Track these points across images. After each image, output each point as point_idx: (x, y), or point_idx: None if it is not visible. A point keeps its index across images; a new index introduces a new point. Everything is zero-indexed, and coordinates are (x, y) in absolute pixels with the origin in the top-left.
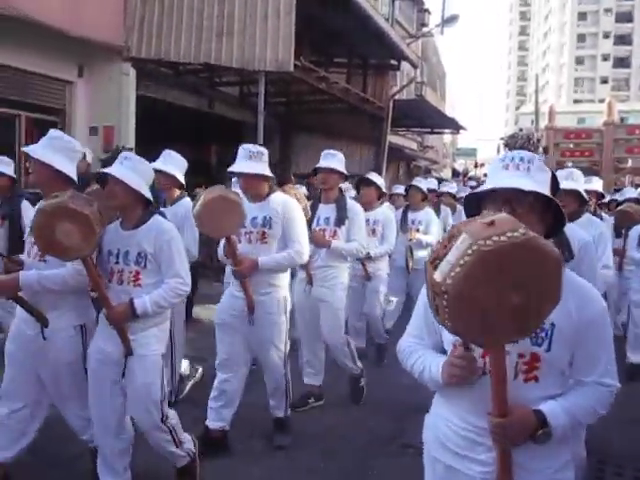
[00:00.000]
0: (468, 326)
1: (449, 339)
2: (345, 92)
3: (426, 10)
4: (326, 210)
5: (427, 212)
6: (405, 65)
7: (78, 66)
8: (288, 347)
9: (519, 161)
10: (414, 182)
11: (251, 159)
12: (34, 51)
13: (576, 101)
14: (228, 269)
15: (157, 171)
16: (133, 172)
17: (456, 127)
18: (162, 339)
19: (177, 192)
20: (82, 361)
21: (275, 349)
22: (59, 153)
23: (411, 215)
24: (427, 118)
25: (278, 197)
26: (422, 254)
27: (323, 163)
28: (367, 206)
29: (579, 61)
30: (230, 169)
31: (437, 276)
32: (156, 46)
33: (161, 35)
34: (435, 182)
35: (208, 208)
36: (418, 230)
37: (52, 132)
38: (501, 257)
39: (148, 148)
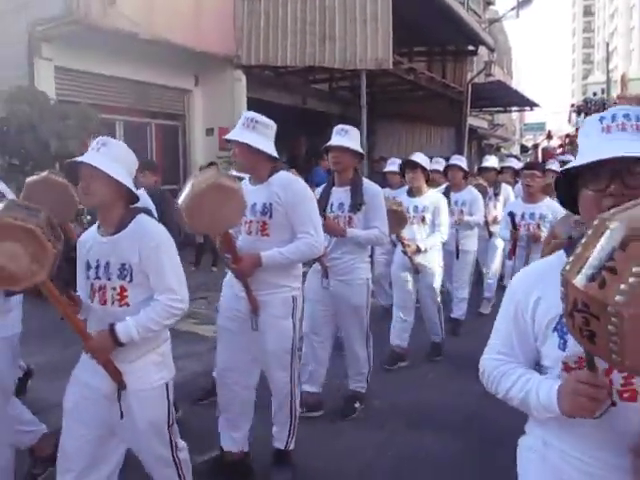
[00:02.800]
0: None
1: (555, 356)
2: (429, 80)
3: None
4: (340, 194)
5: (470, 191)
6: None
7: (194, 76)
8: (296, 360)
9: (624, 119)
10: (453, 160)
11: (250, 129)
12: (158, 66)
13: None
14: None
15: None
16: (114, 161)
17: (529, 104)
18: (164, 364)
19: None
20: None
21: (279, 360)
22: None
23: (454, 196)
24: (500, 98)
25: (281, 177)
26: (469, 236)
27: (335, 140)
28: (415, 191)
29: None
30: (225, 136)
31: (595, 291)
32: (264, 53)
33: (268, 43)
34: (494, 159)
35: (197, 201)
36: (462, 211)
37: None
38: None
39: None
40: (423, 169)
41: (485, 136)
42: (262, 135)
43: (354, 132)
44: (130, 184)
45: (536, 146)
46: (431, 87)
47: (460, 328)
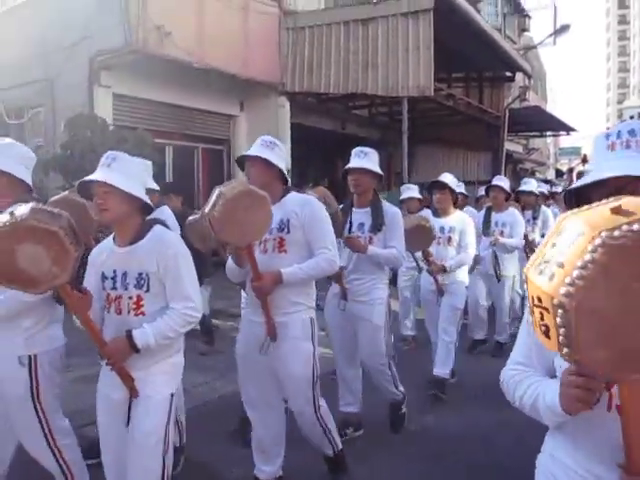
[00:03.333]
0: (596, 355)
1: (565, 365)
2: (466, 105)
3: (527, 15)
4: (360, 215)
5: (512, 213)
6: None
7: (240, 102)
8: (318, 384)
9: (628, 135)
10: (495, 181)
11: (269, 149)
12: (205, 92)
13: None
14: (244, 294)
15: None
16: (126, 175)
17: (565, 128)
18: (174, 375)
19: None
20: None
21: (300, 383)
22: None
23: (495, 217)
24: (536, 122)
25: (295, 197)
26: (508, 259)
27: (354, 163)
28: (441, 212)
29: None
30: (245, 152)
31: (545, 284)
32: (307, 80)
33: (312, 71)
34: (534, 182)
35: (229, 207)
36: (502, 233)
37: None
38: (637, 253)
39: (301, 169)
40: (451, 190)
41: (520, 160)
42: (279, 156)
43: (373, 154)
44: (144, 196)
45: (571, 170)
46: (469, 112)
47: (502, 351)
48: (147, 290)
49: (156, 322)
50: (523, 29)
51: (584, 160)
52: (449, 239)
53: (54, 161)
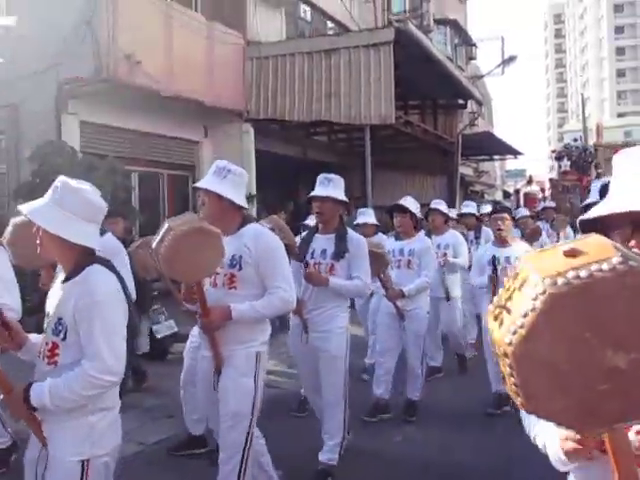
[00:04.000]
0: (552, 406)
1: None
2: (423, 132)
3: (474, 44)
4: (323, 242)
5: (453, 235)
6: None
7: (204, 128)
8: (253, 424)
9: None
10: (433, 204)
11: (221, 177)
12: (170, 119)
13: (620, 114)
14: (196, 328)
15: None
16: (65, 211)
17: (513, 152)
18: (90, 439)
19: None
20: None
21: (235, 422)
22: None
23: (436, 239)
24: (486, 147)
25: (251, 229)
26: (453, 280)
27: (318, 190)
28: (403, 235)
29: (620, 74)
30: (194, 185)
31: (495, 331)
32: (272, 107)
33: (276, 98)
34: (473, 205)
35: (175, 244)
36: (445, 255)
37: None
38: (584, 300)
39: (265, 193)
40: (412, 214)
41: (471, 183)
42: (234, 184)
43: (338, 180)
44: (82, 239)
45: (517, 191)
46: (425, 138)
47: (466, 364)
48: (64, 338)
49: (57, 380)
50: (470, 57)
51: (529, 181)
52: (409, 262)
53: (24, 188)
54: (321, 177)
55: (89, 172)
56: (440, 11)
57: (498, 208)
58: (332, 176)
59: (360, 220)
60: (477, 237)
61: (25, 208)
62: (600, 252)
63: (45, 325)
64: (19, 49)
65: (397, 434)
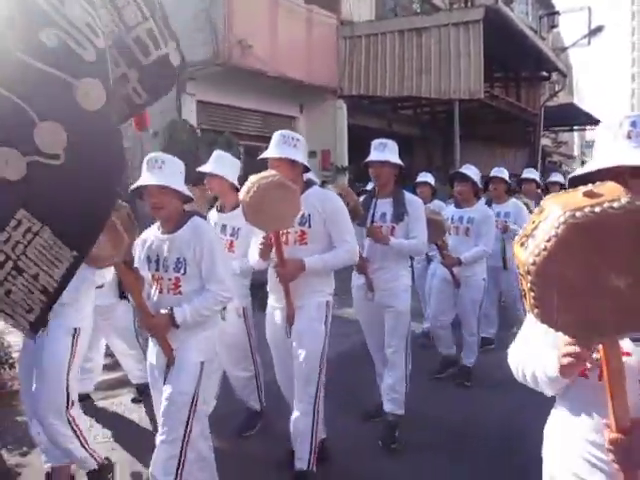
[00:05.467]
0: (557, 313)
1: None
2: (506, 104)
3: (556, 12)
4: (382, 205)
5: (514, 203)
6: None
7: (299, 105)
8: (323, 372)
9: (631, 127)
10: (493, 172)
11: (284, 144)
12: (269, 97)
13: None
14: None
15: (208, 174)
16: (173, 175)
17: (594, 122)
18: (206, 346)
19: (233, 196)
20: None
21: (308, 363)
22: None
23: (496, 208)
24: (568, 118)
25: (317, 192)
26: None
27: (373, 155)
28: (463, 203)
29: None
30: (262, 155)
31: (521, 254)
32: (364, 84)
33: (368, 75)
34: (534, 171)
35: (261, 195)
36: (506, 222)
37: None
38: (596, 231)
39: (358, 166)
40: (473, 182)
41: (549, 154)
42: (299, 150)
43: (392, 145)
44: (187, 191)
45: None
46: (509, 111)
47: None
48: (184, 273)
49: (193, 302)
50: (552, 25)
51: None
52: (467, 230)
53: None
54: (376, 142)
55: (209, 147)
56: None
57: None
58: (386, 141)
59: (419, 179)
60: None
61: (149, 179)
62: (613, 194)
63: (155, 270)
64: None
65: (452, 399)
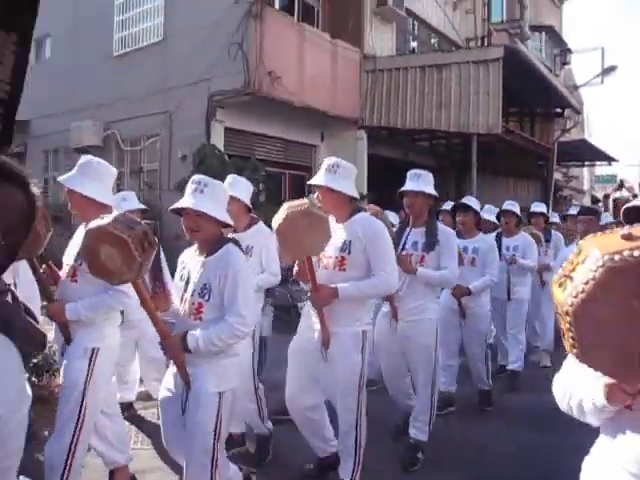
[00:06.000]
0: (598, 355)
1: None
2: (521, 139)
3: (568, 49)
4: (414, 234)
5: (523, 237)
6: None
7: (320, 133)
8: (364, 395)
9: None
10: (505, 206)
11: (332, 173)
12: (292, 125)
13: None
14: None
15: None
16: (215, 200)
17: (607, 159)
18: (224, 376)
19: (247, 217)
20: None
21: (346, 392)
22: (88, 179)
23: (506, 241)
24: (580, 154)
25: (361, 217)
26: (521, 282)
27: (408, 185)
28: (465, 234)
29: None
30: (309, 182)
31: (560, 295)
32: (384, 116)
33: (389, 107)
34: (543, 205)
35: (291, 223)
36: (514, 256)
37: (82, 159)
38: (635, 274)
39: (378, 192)
40: (475, 212)
41: (560, 188)
42: (343, 178)
43: (427, 176)
44: (227, 219)
45: (607, 196)
46: (523, 145)
47: (518, 381)
48: (207, 299)
49: (208, 330)
50: (564, 63)
51: (620, 186)
52: (472, 260)
53: (183, 183)
54: (411, 173)
55: (238, 172)
56: (536, 17)
57: (584, 210)
58: (421, 172)
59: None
60: (547, 240)
61: (188, 202)
62: None
63: (183, 291)
64: (175, 64)
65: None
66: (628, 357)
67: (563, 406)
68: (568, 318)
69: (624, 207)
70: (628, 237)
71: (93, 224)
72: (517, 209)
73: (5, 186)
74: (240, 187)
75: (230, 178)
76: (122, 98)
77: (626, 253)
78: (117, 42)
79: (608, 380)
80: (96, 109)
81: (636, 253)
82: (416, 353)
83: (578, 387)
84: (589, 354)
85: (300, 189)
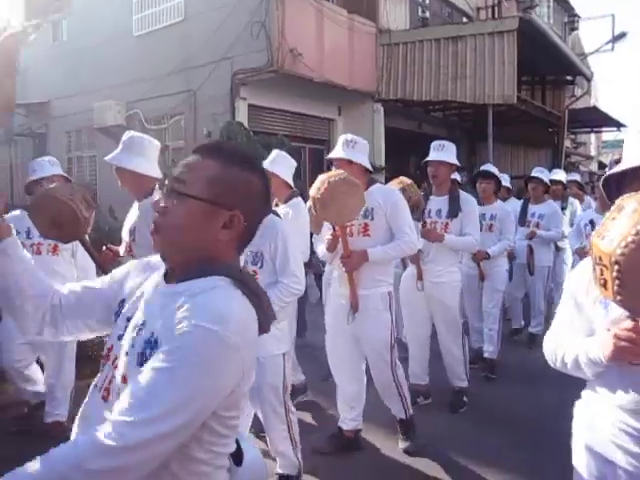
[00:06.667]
0: (638, 299)
1: (601, 321)
2: (533, 107)
3: (576, 15)
4: (438, 202)
5: (549, 205)
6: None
7: (338, 107)
8: (395, 348)
9: None
10: (534, 172)
11: (348, 147)
12: (310, 100)
13: None
14: (328, 267)
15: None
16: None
17: (616, 125)
18: (282, 338)
19: (286, 191)
20: None
21: (380, 346)
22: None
23: (532, 208)
24: (590, 120)
25: (379, 188)
26: (543, 251)
27: (432, 155)
28: (485, 201)
29: None
30: (327, 156)
31: (606, 247)
32: (400, 89)
33: (405, 81)
34: (562, 173)
35: (330, 190)
36: (538, 225)
37: (124, 136)
38: None
39: (394, 164)
40: (496, 180)
41: (568, 154)
42: (360, 152)
43: (450, 146)
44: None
45: (617, 161)
46: (535, 114)
47: (534, 344)
48: (261, 267)
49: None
50: (572, 28)
51: (618, 161)
52: (490, 226)
53: None
54: (435, 143)
55: (265, 148)
56: None
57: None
58: (445, 142)
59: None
60: (563, 207)
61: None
62: None
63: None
64: (197, 43)
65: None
66: None
67: (555, 363)
68: (617, 267)
69: (603, 177)
70: None
71: (39, 194)
72: (546, 176)
73: (247, 173)
74: (280, 162)
75: (273, 154)
76: (144, 78)
77: None
78: (137, 22)
79: (617, 334)
80: (118, 89)
81: None
82: (441, 313)
83: (574, 344)
84: (632, 300)
85: (319, 162)
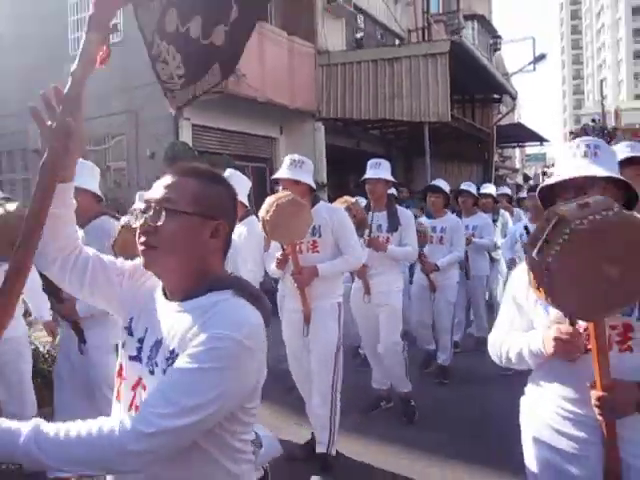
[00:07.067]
0: (568, 300)
1: (542, 321)
2: (465, 124)
3: (498, 36)
4: (378, 217)
5: (480, 217)
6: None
7: (280, 126)
8: (340, 363)
9: (586, 148)
10: (463, 186)
11: (294, 167)
12: (253, 119)
13: (637, 96)
14: (281, 284)
15: None
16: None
17: (539, 139)
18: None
19: (240, 211)
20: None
21: (325, 352)
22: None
23: (465, 221)
24: (515, 136)
25: (324, 205)
26: (479, 260)
27: (369, 173)
28: (435, 214)
29: (637, 55)
30: (273, 176)
31: (537, 256)
32: (340, 108)
33: (344, 100)
34: (492, 187)
35: (279, 212)
36: (473, 235)
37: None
38: (597, 233)
39: (335, 181)
40: (444, 194)
41: (497, 168)
42: (306, 172)
43: (385, 164)
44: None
45: (544, 173)
46: (466, 130)
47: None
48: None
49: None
50: (495, 49)
51: (544, 173)
52: (441, 239)
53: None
54: (372, 162)
55: (212, 167)
56: (469, 7)
57: (532, 189)
58: (380, 160)
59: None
60: (494, 220)
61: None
62: (603, 204)
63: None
64: (137, 63)
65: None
66: (591, 298)
67: (500, 358)
68: (547, 271)
69: (539, 187)
70: (584, 205)
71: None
72: (474, 189)
73: (221, 187)
74: (236, 182)
75: (227, 173)
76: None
77: (590, 217)
78: (73, 42)
79: (558, 331)
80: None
81: (598, 217)
82: (385, 317)
83: (516, 340)
84: (560, 300)
85: (262, 180)
